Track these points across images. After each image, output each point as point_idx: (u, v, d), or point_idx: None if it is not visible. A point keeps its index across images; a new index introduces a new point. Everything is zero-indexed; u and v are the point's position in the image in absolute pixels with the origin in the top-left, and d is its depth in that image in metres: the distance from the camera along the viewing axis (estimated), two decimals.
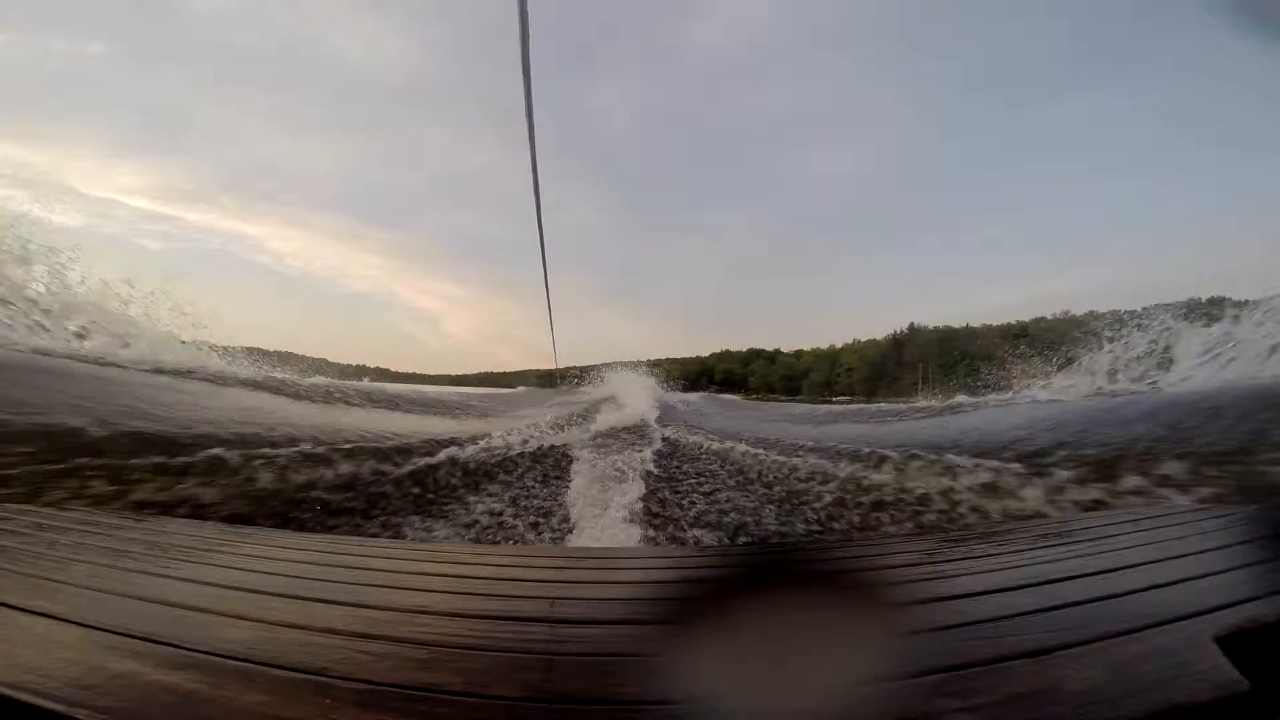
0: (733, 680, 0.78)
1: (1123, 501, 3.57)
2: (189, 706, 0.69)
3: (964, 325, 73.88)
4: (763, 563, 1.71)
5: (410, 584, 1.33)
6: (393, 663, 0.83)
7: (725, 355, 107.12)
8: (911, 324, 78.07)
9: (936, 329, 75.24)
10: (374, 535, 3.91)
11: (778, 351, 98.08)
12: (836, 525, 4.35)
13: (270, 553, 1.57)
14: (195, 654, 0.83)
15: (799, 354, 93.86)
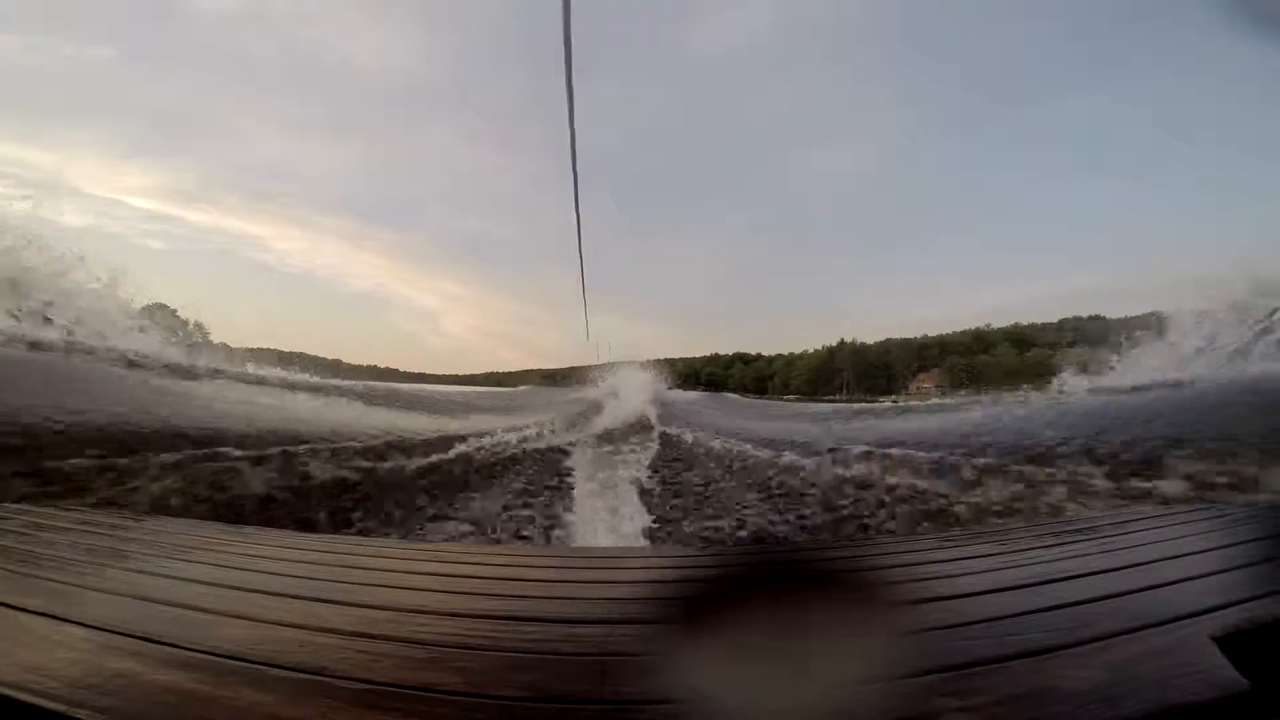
0: (733, 680, 0.78)
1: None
2: (189, 706, 0.69)
3: (879, 341, 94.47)
4: (763, 563, 1.71)
5: (410, 584, 1.33)
6: (393, 663, 0.82)
7: (713, 359, 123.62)
8: (841, 340, 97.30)
9: (855, 345, 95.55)
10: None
11: (759, 355, 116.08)
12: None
13: (270, 553, 1.57)
14: (195, 654, 0.83)
15: (773, 360, 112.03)
